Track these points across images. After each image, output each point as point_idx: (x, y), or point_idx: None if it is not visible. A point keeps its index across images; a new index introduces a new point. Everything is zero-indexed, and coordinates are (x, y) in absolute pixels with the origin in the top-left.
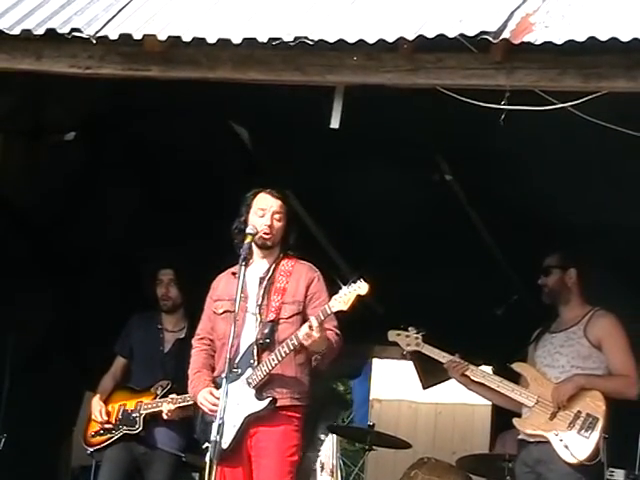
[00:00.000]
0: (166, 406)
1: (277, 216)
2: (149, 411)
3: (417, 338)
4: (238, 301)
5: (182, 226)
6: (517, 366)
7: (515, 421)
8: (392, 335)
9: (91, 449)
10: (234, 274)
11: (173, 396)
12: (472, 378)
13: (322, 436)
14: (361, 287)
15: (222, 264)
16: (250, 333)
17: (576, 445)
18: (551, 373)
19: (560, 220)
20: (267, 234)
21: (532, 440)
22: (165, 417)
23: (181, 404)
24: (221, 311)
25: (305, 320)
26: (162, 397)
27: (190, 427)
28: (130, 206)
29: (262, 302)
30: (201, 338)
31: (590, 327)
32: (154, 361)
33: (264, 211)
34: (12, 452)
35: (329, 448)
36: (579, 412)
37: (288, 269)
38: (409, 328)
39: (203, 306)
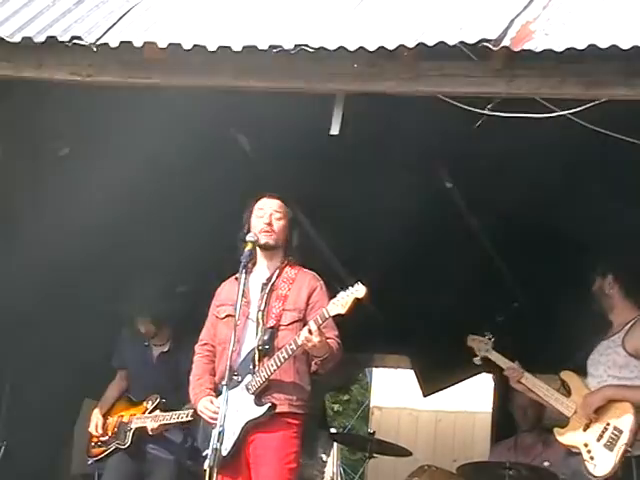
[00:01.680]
0: (150, 423)
1: (277, 215)
2: (138, 425)
3: (487, 344)
4: (239, 306)
5: (182, 231)
6: (563, 374)
7: (555, 430)
8: (470, 340)
9: (91, 460)
10: (237, 279)
11: (157, 413)
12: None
13: (323, 456)
14: (359, 290)
15: (223, 274)
16: (251, 339)
17: (601, 459)
18: (591, 382)
19: (560, 227)
20: (267, 232)
21: (573, 451)
22: (150, 433)
23: (163, 422)
24: (223, 315)
25: None
26: (151, 412)
27: (190, 434)
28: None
29: (263, 308)
30: (204, 344)
31: (629, 335)
32: (144, 374)
33: (263, 211)
34: (11, 459)
35: (330, 456)
36: (608, 424)
37: (291, 276)
38: (485, 333)
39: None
